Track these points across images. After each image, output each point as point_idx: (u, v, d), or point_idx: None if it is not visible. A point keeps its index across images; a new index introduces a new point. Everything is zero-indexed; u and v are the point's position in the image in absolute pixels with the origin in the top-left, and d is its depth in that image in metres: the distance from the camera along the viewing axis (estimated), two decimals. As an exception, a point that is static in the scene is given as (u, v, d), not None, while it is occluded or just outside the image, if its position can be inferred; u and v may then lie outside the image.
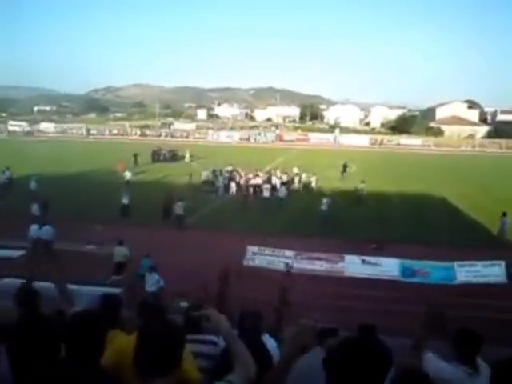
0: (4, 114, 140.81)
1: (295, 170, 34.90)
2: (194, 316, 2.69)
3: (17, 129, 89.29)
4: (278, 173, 33.25)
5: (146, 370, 2.06)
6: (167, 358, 2.08)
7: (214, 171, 33.50)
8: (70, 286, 6.02)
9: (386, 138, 77.98)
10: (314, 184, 32.38)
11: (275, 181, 30.99)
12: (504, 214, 21.15)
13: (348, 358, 1.89)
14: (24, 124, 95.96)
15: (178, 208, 22.98)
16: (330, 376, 1.96)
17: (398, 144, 71.63)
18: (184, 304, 2.61)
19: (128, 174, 30.84)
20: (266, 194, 27.68)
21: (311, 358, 2.70)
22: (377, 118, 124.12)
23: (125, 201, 24.61)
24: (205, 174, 32.85)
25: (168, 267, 15.24)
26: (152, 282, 13.31)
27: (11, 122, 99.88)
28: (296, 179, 32.81)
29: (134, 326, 3.59)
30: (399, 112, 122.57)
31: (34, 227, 18.26)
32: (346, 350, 1.93)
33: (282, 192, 27.60)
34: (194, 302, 4.72)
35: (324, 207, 23.85)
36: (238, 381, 2.24)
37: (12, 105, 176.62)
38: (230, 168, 34.44)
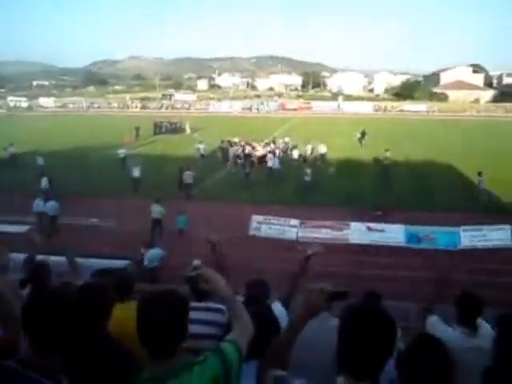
0: (3, 90, 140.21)
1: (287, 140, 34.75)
2: (191, 276, 2.66)
3: (16, 104, 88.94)
4: (283, 142, 33.15)
5: (150, 351, 2.03)
6: (166, 339, 2.02)
7: (222, 142, 33.00)
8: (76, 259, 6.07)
9: (390, 104, 76.98)
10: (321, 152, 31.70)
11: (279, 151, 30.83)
12: (479, 174, 21.68)
13: (356, 326, 1.87)
14: (23, 99, 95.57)
15: (188, 177, 23.32)
16: (342, 343, 1.93)
17: (402, 110, 70.64)
18: (194, 273, 2.58)
19: (122, 151, 29.03)
20: (270, 164, 27.26)
21: (318, 323, 2.68)
22: (380, 85, 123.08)
23: (135, 174, 24.44)
24: (202, 147, 31.36)
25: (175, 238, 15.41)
26: (153, 258, 12.99)
27: (10, 98, 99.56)
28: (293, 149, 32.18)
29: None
30: (403, 78, 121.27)
31: (37, 201, 18.38)
32: (353, 319, 1.92)
33: (275, 163, 27.07)
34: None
35: (308, 178, 23.62)
36: (238, 338, 2.25)
37: (10, 80, 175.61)
38: (236, 139, 33.82)
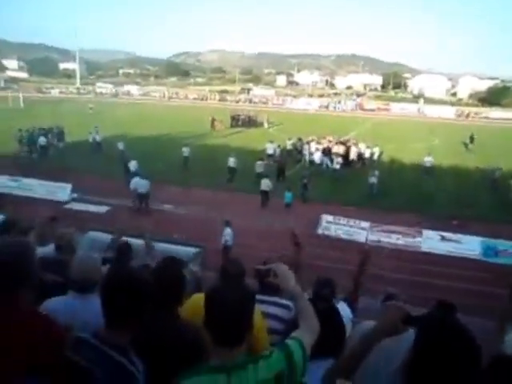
0: (92, 77, 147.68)
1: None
2: (261, 270, 2.67)
3: (103, 91, 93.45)
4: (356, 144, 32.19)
5: (214, 338, 2.05)
6: (235, 327, 2.03)
7: (299, 139, 32.20)
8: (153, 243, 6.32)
9: (474, 110, 73.46)
10: (375, 157, 30.52)
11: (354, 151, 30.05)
12: None
13: (441, 341, 1.78)
14: (110, 86, 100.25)
15: (259, 167, 24.32)
16: (418, 356, 1.84)
17: (487, 117, 67.12)
18: (264, 267, 2.61)
19: (186, 150, 27.60)
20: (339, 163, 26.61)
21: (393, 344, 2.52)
22: (465, 89, 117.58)
23: (232, 164, 24.96)
24: (289, 143, 31.38)
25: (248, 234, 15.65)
26: (227, 237, 13.88)
27: (98, 84, 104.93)
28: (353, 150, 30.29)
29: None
30: (490, 83, 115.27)
31: (135, 180, 19.52)
32: (437, 332, 1.83)
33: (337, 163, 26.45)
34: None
35: (374, 180, 23.02)
36: (303, 336, 2.24)
37: (99, 67, 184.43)
38: (311, 138, 32.77)
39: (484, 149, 36.56)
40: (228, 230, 14.00)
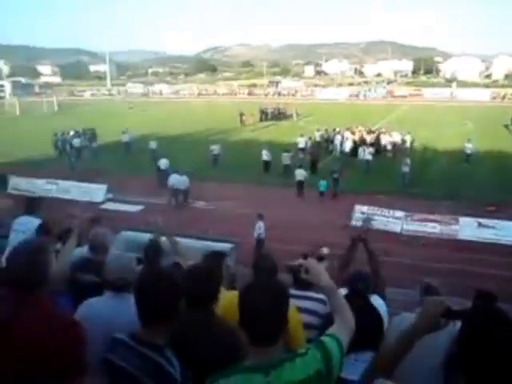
0: (122, 77, 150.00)
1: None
2: (292, 266, 2.65)
3: (134, 90, 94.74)
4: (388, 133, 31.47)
5: (249, 337, 2.03)
6: (270, 327, 2.01)
7: (326, 130, 32.04)
8: (184, 240, 6.36)
9: (510, 91, 71.14)
10: (407, 144, 29.56)
11: (385, 140, 29.60)
12: None
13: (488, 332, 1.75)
14: (140, 85, 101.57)
15: (286, 158, 24.63)
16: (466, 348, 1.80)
17: (525, 98, 64.93)
18: (295, 263, 2.61)
19: (216, 148, 27.17)
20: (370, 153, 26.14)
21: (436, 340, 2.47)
22: (500, 70, 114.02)
23: (265, 157, 25.31)
24: (318, 134, 30.98)
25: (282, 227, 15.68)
26: (259, 230, 14.08)
27: (129, 85, 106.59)
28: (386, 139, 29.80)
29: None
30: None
31: (173, 176, 19.88)
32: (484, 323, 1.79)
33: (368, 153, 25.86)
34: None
35: (406, 168, 22.50)
36: (339, 333, 2.20)
37: (128, 68, 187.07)
38: (338, 128, 32.06)
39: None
40: (260, 224, 14.14)
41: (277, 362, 1.99)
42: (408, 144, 29.52)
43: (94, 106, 66.14)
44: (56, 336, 2.26)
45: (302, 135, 29.64)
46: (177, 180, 19.66)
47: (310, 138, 29.61)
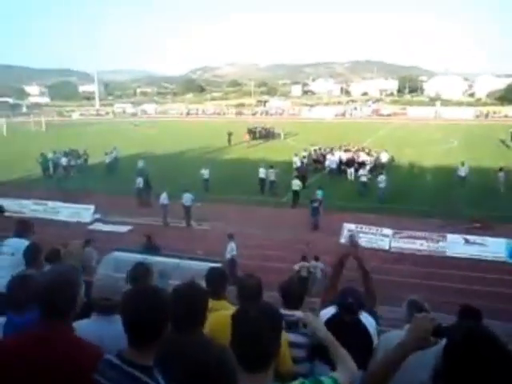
0: (110, 97, 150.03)
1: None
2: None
3: (121, 110, 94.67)
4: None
5: (240, 362, 1.96)
6: (263, 352, 1.93)
7: (315, 150, 32.31)
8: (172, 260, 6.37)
9: (493, 109, 72.31)
10: (384, 161, 29.90)
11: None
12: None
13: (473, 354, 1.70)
14: (128, 106, 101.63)
15: (271, 174, 25.24)
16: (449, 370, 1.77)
17: (507, 116, 66.03)
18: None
19: (205, 172, 26.31)
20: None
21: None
22: (482, 89, 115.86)
23: (262, 175, 25.55)
24: (305, 154, 31.02)
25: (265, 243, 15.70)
26: (232, 252, 14.04)
27: (117, 105, 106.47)
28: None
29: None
30: (508, 81, 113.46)
31: (163, 195, 20.21)
32: (468, 343, 1.74)
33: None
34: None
35: (382, 185, 23.22)
36: (339, 377, 2.15)
37: (117, 88, 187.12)
38: (323, 147, 32.76)
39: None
40: (232, 244, 14.16)
41: None
42: (384, 160, 29.82)
43: (81, 126, 65.90)
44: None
45: (296, 154, 29.97)
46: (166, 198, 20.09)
47: (304, 157, 30.03)
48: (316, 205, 19.71)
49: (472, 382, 1.68)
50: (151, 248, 14.44)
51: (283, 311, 3.72)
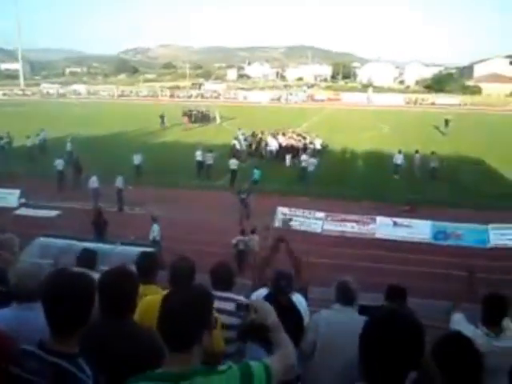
0: (37, 77, 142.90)
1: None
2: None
3: (50, 91, 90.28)
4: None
5: (164, 340, 1.97)
6: (183, 331, 1.93)
7: (252, 134, 32.14)
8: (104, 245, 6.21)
9: (421, 96, 75.37)
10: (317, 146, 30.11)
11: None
12: None
13: (379, 335, 1.75)
14: (56, 86, 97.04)
15: (209, 158, 25.28)
16: (363, 351, 1.81)
17: (434, 103, 69.01)
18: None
19: (137, 158, 25.15)
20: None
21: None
22: (412, 76, 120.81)
23: (199, 158, 25.56)
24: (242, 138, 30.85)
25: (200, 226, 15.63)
26: (154, 233, 14.07)
27: (44, 85, 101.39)
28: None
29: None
30: (435, 70, 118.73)
31: (93, 178, 19.71)
32: (377, 326, 1.81)
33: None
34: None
35: (311, 168, 24.08)
36: (272, 363, 2.13)
37: (44, 67, 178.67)
38: (264, 131, 32.62)
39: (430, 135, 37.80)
40: (155, 226, 14.13)
41: (189, 373, 1.91)
42: (317, 146, 30.11)
43: (5, 106, 62.24)
44: None
45: (235, 138, 30.13)
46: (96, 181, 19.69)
47: (245, 140, 30.45)
48: (243, 196, 18.74)
49: (383, 349, 1.72)
50: (100, 223, 14.97)
51: (215, 293, 3.71)
